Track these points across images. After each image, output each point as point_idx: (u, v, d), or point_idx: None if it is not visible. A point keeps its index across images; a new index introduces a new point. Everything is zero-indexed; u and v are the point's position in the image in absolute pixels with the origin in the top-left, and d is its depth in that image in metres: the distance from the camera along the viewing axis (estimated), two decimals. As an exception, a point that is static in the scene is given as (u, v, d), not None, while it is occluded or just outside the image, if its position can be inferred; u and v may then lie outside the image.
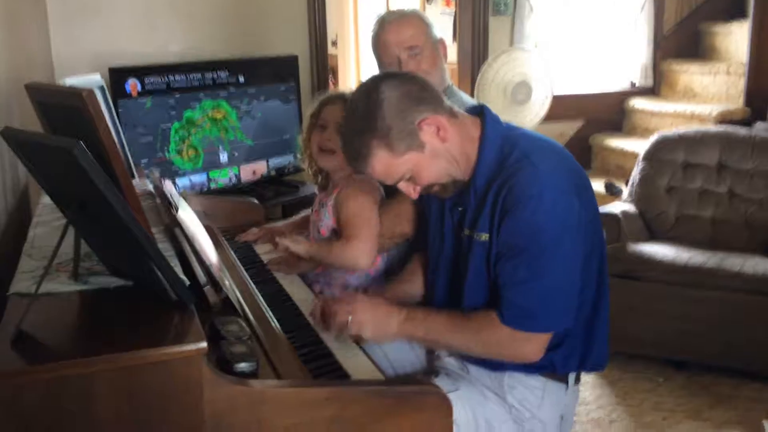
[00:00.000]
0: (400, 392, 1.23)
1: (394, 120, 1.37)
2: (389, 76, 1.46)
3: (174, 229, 1.58)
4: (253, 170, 3.50)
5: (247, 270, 1.82)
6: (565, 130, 4.35)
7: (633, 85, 4.52)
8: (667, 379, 2.79)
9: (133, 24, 3.29)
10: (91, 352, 1.06)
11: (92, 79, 2.24)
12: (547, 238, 1.36)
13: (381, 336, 1.48)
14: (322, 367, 1.39)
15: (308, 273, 1.91)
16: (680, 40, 4.49)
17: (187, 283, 1.24)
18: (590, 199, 1.48)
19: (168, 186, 1.81)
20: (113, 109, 2.38)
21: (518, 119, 3.58)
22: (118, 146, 1.44)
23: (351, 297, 1.50)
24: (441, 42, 2.04)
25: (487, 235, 1.44)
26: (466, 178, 1.47)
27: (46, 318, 1.18)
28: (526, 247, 1.37)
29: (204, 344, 1.08)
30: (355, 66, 6.06)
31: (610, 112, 4.46)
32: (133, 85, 3.03)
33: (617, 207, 3.09)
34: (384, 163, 1.41)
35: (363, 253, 1.75)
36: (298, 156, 2.04)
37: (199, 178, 3.30)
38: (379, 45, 2.00)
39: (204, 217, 1.91)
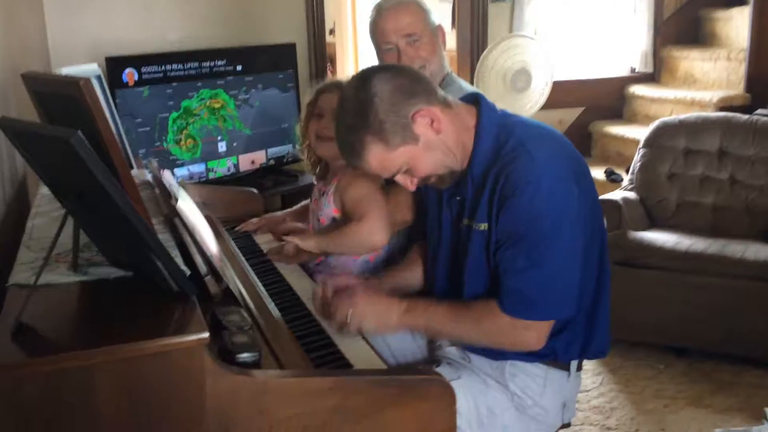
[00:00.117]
0: (403, 381, 1.23)
1: (386, 114, 1.36)
2: (380, 69, 1.45)
3: (174, 219, 1.57)
4: (251, 160, 3.48)
5: (247, 260, 1.81)
6: (564, 117, 4.34)
7: (633, 71, 4.50)
8: (669, 367, 2.79)
9: (130, 13, 3.27)
10: (92, 343, 1.05)
11: (89, 69, 2.22)
12: (546, 226, 1.36)
13: (382, 329, 1.48)
14: (325, 357, 1.39)
15: (309, 263, 1.90)
16: (680, 26, 4.47)
17: (188, 273, 1.23)
18: (589, 186, 1.47)
19: (167, 176, 1.80)
20: (110, 98, 2.37)
21: (518, 107, 3.57)
22: (116, 136, 1.43)
23: (350, 291, 1.50)
24: (440, 29, 2.02)
25: (486, 224, 1.43)
26: (463, 167, 1.46)
27: (45, 309, 1.18)
28: (524, 235, 1.37)
29: (206, 334, 1.07)
30: (354, 55, 6.03)
31: (610, 99, 4.44)
32: (130, 74, 3.01)
33: (618, 194, 3.08)
34: (379, 158, 1.40)
35: (377, 230, 1.74)
36: (297, 146, 2.03)
37: (197, 168, 3.29)
38: (377, 32, 1.98)
39: (203, 207, 1.90)
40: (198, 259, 1.36)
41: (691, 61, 4.30)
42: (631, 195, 3.11)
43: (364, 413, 1.18)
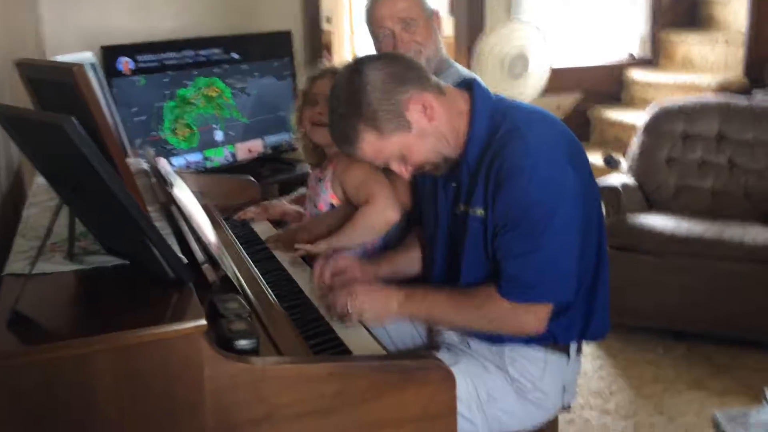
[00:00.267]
0: (404, 367, 1.23)
1: (379, 102, 1.36)
2: (372, 57, 1.45)
3: (170, 207, 1.56)
4: (248, 148, 3.47)
5: (245, 248, 1.80)
6: (562, 103, 4.32)
7: (631, 56, 4.48)
8: (667, 350, 2.79)
9: (125, 1, 3.24)
10: (89, 332, 1.04)
11: (83, 57, 2.20)
12: (542, 210, 1.36)
13: (382, 318, 1.48)
14: (324, 343, 1.38)
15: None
16: (678, 11, 4.44)
17: (185, 260, 1.22)
18: (584, 166, 1.47)
19: (163, 164, 1.79)
20: (106, 87, 2.35)
21: (516, 93, 3.55)
22: (112, 125, 1.42)
23: (348, 282, 1.49)
24: (436, 14, 2.01)
25: (483, 209, 1.43)
26: (458, 154, 1.46)
27: (42, 298, 1.17)
28: (521, 220, 1.37)
29: (203, 321, 1.06)
30: (350, 43, 6.00)
31: (608, 84, 4.42)
32: (125, 63, 2.99)
33: (616, 179, 3.07)
34: (372, 146, 1.40)
35: (388, 206, 1.73)
36: (293, 135, 2.03)
37: (194, 157, 3.27)
38: (372, 18, 1.97)
39: (200, 196, 1.89)
40: (195, 247, 1.35)
41: (689, 45, 4.28)
42: (630, 180, 3.11)
43: (364, 399, 1.17)
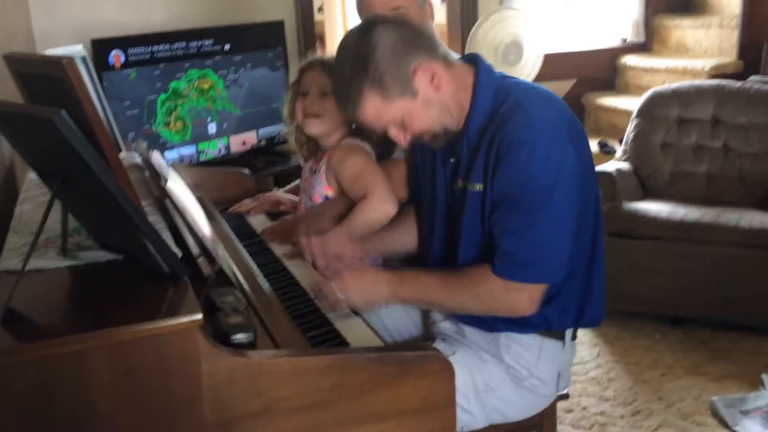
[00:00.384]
0: (402, 358, 1.22)
1: (387, 65, 1.35)
2: (385, 20, 1.42)
3: (164, 201, 1.55)
4: (242, 141, 3.45)
5: (240, 241, 1.79)
6: (557, 90, 4.25)
7: (625, 41, 4.46)
8: (665, 336, 2.80)
9: (115, -6, 3.22)
10: (84, 328, 1.03)
11: (74, 50, 2.18)
12: (541, 186, 1.35)
13: (372, 303, 1.48)
14: (321, 336, 1.37)
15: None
16: (671, -5, 4.42)
17: (180, 254, 1.21)
18: (584, 146, 1.47)
19: (156, 157, 1.78)
20: (97, 81, 2.33)
21: (510, 80, 3.53)
22: (103, 119, 1.40)
23: (336, 272, 1.49)
24: (428, 2, 1.99)
25: (481, 184, 1.42)
26: (459, 127, 1.45)
27: (36, 295, 1.16)
28: (519, 196, 1.36)
29: (199, 316, 1.06)
30: (343, 32, 5.98)
31: (602, 70, 4.40)
32: (116, 56, 2.97)
33: (611, 165, 3.06)
34: (375, 108, 1.38)
35: (385, 199, 1.72)
36: (285, 128, 2.02)
37: (188, 151, 3.26)
38: (363, 5, 1.95)
39: (194, 189, 1.88)
40: (190, 241, 1.34)
41: (682, 29, 4.26)
42: (625, 166, 3.10)
43: (363, 391, 1.17)
